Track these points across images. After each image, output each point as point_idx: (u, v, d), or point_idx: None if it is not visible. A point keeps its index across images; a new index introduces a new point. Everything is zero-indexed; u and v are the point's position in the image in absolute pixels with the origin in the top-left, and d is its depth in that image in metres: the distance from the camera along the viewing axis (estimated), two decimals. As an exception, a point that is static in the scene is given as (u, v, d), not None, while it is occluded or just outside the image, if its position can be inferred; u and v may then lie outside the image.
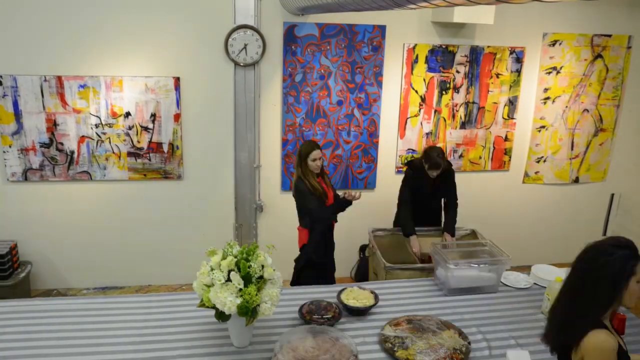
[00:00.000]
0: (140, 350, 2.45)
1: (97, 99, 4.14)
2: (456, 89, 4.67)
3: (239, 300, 2.25)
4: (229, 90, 4.33)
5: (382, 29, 4.40)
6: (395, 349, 2.42)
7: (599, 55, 4.86)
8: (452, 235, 3.92)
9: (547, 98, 4.88)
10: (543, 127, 4.95)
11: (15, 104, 4.05)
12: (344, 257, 4.95)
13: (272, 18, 4.23)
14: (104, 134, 4.23)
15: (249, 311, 2.26)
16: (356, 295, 2.86)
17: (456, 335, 2.52)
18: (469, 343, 2.48)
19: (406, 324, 2.61)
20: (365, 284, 3.11)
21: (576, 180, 5.19)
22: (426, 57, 4.53)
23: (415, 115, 4.67)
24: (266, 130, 4.49)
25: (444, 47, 4.55)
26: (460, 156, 4.86)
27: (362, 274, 4.48)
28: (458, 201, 4.08)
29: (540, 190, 5.15)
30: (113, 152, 4.28)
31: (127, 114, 4.22)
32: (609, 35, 4.81)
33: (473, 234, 4.15)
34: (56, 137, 4.17)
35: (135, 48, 4.12)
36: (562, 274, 2.92)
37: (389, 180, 4.79)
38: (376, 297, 2.86)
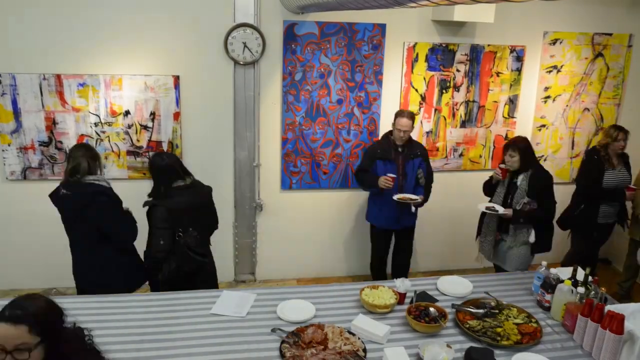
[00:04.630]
0: (139, 349, 2.45)
1: (96, 98, 4.13)
2: (456, 88, 4.66)
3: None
4: (229, 89, 4.32)
5: (382, 27, 4.39)
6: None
7: (600, 54, 4.85)
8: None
9: (548, 97, 4.87)
10: (543, 126, 4.94)
11: (14, 103, 4.04)
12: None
13: (272, 16, 4.22)
14: (103, 132, 4.22)
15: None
16: (378, 294, 2.85)
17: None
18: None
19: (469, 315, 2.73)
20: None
21: (576, 179, 5.18)
22: (426, 55, 4.52)
23: (416, 114, 4.65)
24: (266, 129, 4.48)
25: (444, 45, 4.54)
26: (461, 155, 4.85)
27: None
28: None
29: (541, 189, 5.14)
30: (112, 151, 4.27)
31: (127, 113, 4.21)
32: (610, 34, 4.80)
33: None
34: (55, 136, 4.16)
35: (134, 46, 4.11)
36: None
37: (389, 179, 4.78)
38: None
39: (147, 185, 4.37)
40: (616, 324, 2.32)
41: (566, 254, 4.55)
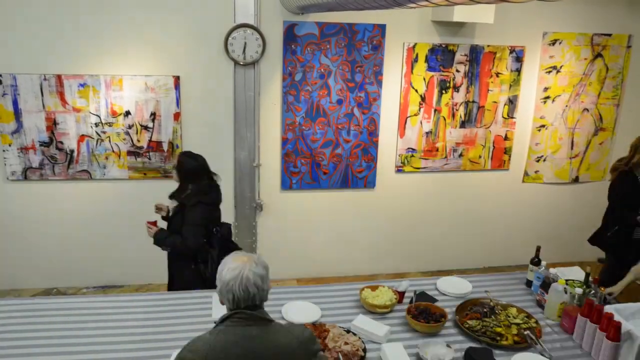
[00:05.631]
0: (140, 349, 2.45)
1: (97, 98, 4.14)
2: (456, 88, 4.67)
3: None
4: (229, 89, 4.33)
5: (382, 28, 4.40)
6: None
7: (599, 55, 4.85)
8: None
9: (547, 97, 4.88)
10: (543, 126, 4.95)
11: (15, 103, 4.04)
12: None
13: (272, 17, 4.23)
14: (104, 132, 4.23)
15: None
16: (378, 294, 2.86)
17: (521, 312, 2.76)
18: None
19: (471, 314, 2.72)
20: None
21: (576, 180, 5.19)
22: (426, 56, 4.53)
23: (415, 115, 4.66)
24: (266, 129, 4.49)
25: (444, 46, 4.54)
26: (460, 155, 4.86)
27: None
28: None
29: (540, 189, 5.15)
30: (113, 151, 4.28)
31: (127, 113, 4.21)
32: (609, 35, 4.81)
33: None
34: (56, 136, 4.16)
35: (135, 47, 4.11)
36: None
37: (388, 180, 4.79)
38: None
39: (147, 186, 4.41)
40: (613, 330, 2.32)
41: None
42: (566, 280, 2.83)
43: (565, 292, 2.72)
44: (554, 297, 2.74)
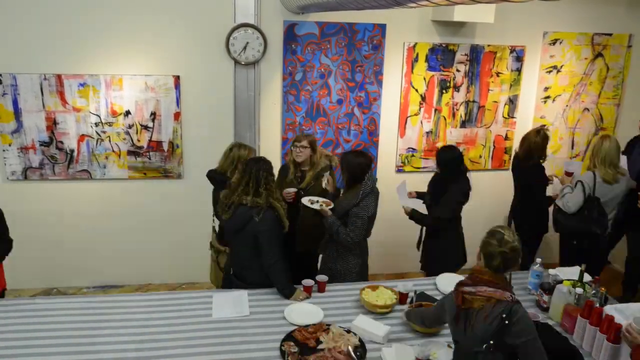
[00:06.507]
0: (140, 349, 2.45)
1: (97, 98, 4.13)
2: (456, 88, 4.67)
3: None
4: (229, 89, 4.32)
5: (382, 27, 4.40)
6: None
7: (600, 54, 4.85)
8: None
9: (548, 97, 4.87)
10: (543, 126, 4.94)
11: (15, 103, 4.04)
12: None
13: (272, 17, 4.22)
14: (104, 132, 4.22)
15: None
16: (378, 294, 2.86)
17: None
18: None
19: None
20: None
21: (576, 179, 5.18)
22: (426, 55, 4.53)
23: (416, 114, 4.66)
24: (266, 129, 4.48)
25: (444, 45, 4.54)
26: (461, 155, 4.85)
27: None
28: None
29: (541, 189, 5.14)
30: (113, 151, 4.28)
31: (127, 113, 4.21)
32: (610, 34, 4.81)
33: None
34: (56, 136, 4.16)
35: (135, 46, 4.11)
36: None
37: (389, 180, 4.77)
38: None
39: (147, 185, 4.41)
40: (614, 332, 2.31)
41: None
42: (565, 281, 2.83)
43: (570, 294, 2.71)
44: (559, 299, 2.73)
